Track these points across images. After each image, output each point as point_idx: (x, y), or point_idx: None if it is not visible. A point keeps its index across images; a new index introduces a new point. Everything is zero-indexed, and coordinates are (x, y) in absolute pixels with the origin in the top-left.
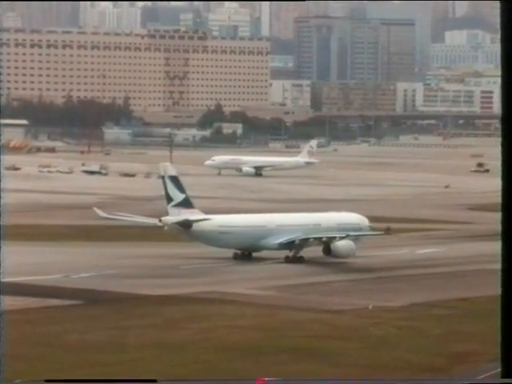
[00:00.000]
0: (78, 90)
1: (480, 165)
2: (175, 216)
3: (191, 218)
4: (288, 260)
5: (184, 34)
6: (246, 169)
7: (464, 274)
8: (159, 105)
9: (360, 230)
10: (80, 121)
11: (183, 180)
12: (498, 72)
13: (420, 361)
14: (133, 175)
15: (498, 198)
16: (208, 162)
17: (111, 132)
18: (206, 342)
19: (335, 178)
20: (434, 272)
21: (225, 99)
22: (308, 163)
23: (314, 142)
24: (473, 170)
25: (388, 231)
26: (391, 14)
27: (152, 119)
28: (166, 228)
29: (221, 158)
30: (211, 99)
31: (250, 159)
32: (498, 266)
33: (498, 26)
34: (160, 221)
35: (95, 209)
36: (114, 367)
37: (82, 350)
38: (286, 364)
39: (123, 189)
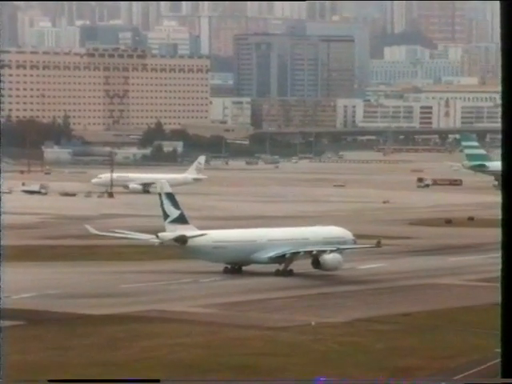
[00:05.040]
0: (17, 110)
1: (420, 180)
2: (171, 232)
3: (187, 233)
4: (278, 273)
5: (123, 53)
6: (133, 186)
7: (405, 289)
8: (99, 124)
9: (345, 243)
10: (19, 140)
11: (121, 198)
12: (437, 87)
13: (362, 376)
14: (73, 194)
15: (438, 213)
16: (95, 180)
17: (51, 151)
18: (148, 360)
19: (277, 195)
20: (375, 287)
21: (165, 117)
22: (196, 179)
23: (201, 158)
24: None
25: (379, 244)
26: (330, 30)
27: (92, 138)
28: (156, 244)
29: (108, 175)
30: (151, 117)
31: (137, 176)
32: (439, 280)
33: (437, 42)
34: (157, 237)
35: (87, 226)
36: None
37: (24, 371)
38: (229, 382)
39: (64, 208)
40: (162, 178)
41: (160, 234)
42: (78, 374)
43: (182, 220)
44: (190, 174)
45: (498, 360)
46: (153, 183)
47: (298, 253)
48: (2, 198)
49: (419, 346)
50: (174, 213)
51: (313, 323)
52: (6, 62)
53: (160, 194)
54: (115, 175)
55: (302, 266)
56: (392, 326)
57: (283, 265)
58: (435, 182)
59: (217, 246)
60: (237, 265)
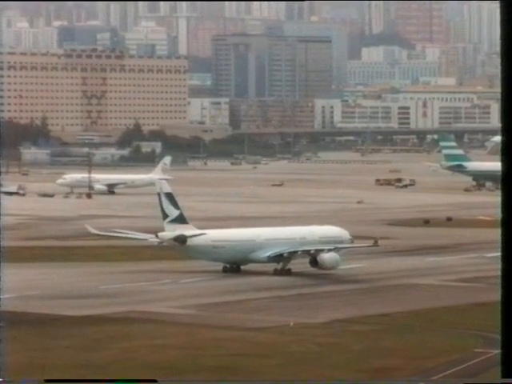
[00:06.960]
0: None
1: (398, 180)
2: (171, 231)
3: (186, 233)
4: (277, 273)
5: (101, 54)
6: (98, 187)
7: (385, 289)
8: (77, 124)
9: (342, 242)
10: None
11: (98, 199)
12: (415, 88)
13: (341, 377)
14: (52, 195)
15: (416, 214)
16: (60, 181)
17: (29, 152)
18: (127, 361)
19: (255, 196)
20: (355, 288)
21: (143, 118)
22: (161, 180)
23: (167, 159)
24: (399, 185)
25: (376, 243)
26: (308, 31)
27: (70, 139)
28: (155, 244)
29: (72, 176)
30: (130, 118)
31: (102, 177)
32: (418, 280)
33: (415, 43)
34: (157, 236)
35: (87, 226)
36: None
37: (3, 373)
38: (207, 382)
39: (42, 209)
40: (128, 178)
41: (160, 234)
42: (57, 375)
43: (181, 220)
44: (155, 174)
45: (478, 360)
46: (117, 184)
47: (296, 252)
48: None
49: (398, 346)
50: (173, 212)
51: (291, 324)
52: None
53: (159, 194)
54: (80, 176)
55: (298, 265)
56: (371, 326)
57: (281, 264)
58: (389, 183)
59: (216, 245)
60: (236, 264)
